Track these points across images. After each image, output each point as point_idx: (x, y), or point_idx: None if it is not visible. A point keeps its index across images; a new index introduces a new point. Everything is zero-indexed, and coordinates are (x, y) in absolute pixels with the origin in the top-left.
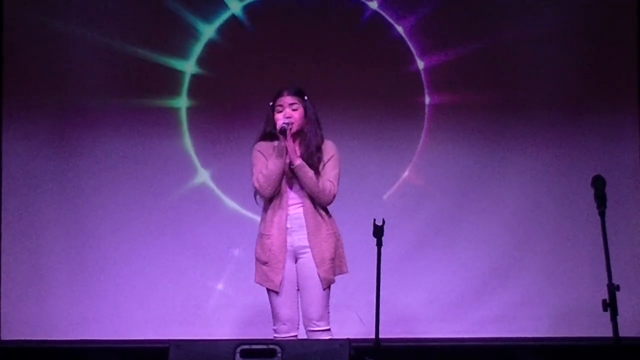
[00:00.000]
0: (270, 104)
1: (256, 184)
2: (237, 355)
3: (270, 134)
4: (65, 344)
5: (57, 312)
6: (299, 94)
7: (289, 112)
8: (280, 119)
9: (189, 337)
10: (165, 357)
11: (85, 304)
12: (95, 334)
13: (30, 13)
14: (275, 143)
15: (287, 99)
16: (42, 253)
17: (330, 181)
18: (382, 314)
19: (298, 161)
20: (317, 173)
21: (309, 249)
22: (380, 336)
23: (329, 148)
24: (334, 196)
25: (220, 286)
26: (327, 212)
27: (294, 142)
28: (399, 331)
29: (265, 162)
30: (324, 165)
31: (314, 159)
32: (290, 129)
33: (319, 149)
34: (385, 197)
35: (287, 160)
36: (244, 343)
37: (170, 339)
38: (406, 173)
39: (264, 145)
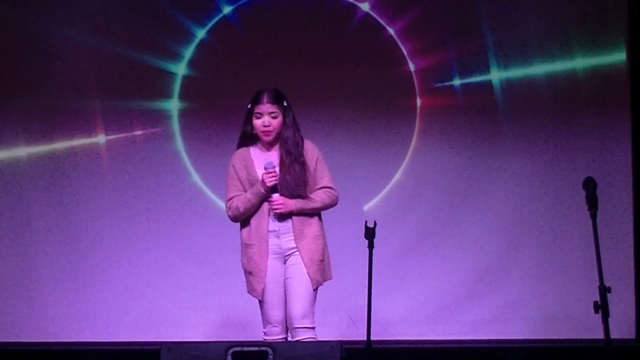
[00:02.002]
0: (249, 106)
1: (229, 213)
2: (229, 357)
3: (250, 135)
4: (57, 346)
5: (48, 314)
6: (278, 100)
7: (267, 120)
8: (260, 129)
9: (181, 339)
10: (156, 359)
11: (77, 306)
12: (86, 336)
13: (20, 14)
14: (252, 149)
15: (266, 107)
16: (33, 255)
17: (327, 187)
18: (373, 316)
19: (294, 207)
20: (304, 176)
21: (297, 250)
22: (372, 338)
23: (311, 150)
24: (337, 198)
25: (211, 288)
26: (316, 214)
27: (272, 147)
28: (391, 333)
29: (239, 186)
30: (314, 170)
31: (299, 163)
32: (276, 182)
33: (301, 152)
34: (376, 198)
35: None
36: (236, 345)
37: (162, 340)
38: (398, 175)
39: (238, 159)
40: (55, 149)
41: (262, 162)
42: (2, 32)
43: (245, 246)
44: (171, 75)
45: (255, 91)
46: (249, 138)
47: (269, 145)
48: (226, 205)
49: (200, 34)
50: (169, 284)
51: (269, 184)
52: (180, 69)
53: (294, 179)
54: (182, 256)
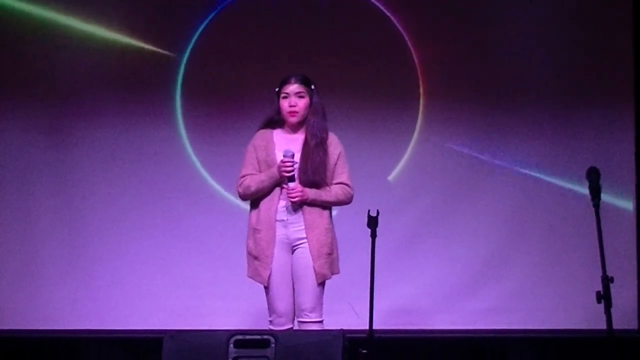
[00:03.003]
0: (276, 90)
1: (240, 190)
2: (231, 345)
3: (273, 120)
4: (59, 334)
5: (51, 302)
6: (306, 82)
7: (294, 100)
8: (286, 109)
9: (183, 327)
10: (159, 347)
11: (79, 294)
12: (88, 324)
13: (25, 3)
14: (275, 132)
15: (294, 87)
16: (36, 243)
17: (344, 184)
18: (376, 306)
19: (310, 196)
20: (325, 164)
21: (305, 241)
22: (374, 327)
23: (335, 143)
24: (352, 197)
25: (214, 277)
26: (328, 207)
27: (297, 129)
28: (393, 323)
29: (256, 165)
30: (334, 164)
31: (322, 150)
32: (293, 172)
33: (323, 142)
34: (379, 188)
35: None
36: (238, 333)
37: (164, 329)
38: (400, 165)
39: (260, 139)
40: (58, 137)
41: (284, 145)
42: (7, 21)
43: (252, 230)
44: (174, 63)
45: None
46: (275, 123)
47: (294, 129)
48: (237, 182)
49: (204, 21)
50: (172, 272)
51: (283, 175)
52: (184, 57)
53: (314, 164)
54: (184, 245)
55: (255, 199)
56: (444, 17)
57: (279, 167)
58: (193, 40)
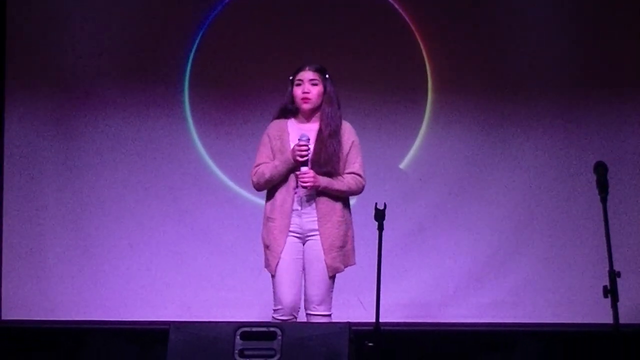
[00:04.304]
0: (290, 78)
1: (253, 179)
2: (237, 337)
3: (287, 109)
4: (66, 324)
5: (58, 293)
6: (320, 70)
7: (307, 87)
8: (299, 96)
9: (189, 319)
10: (165, 338)
11: (86, 285)
12: (95, 315)
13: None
14: (290, 122)
15: (308, 74)
16: (43, 234)
17: (356, 173)
18: (382, 298)
19: (322, 183)
20: (338, 153)
21: (317, 233)
22: (380, 320)
23: (349, 132)
24: (364, 187)
25: (220, 268)
26: (342, 198)
27: (310, 118)
28: (400, 315)
29: (270, 155)
30: (347, 154)
31: (336, 138)
32: (307, 157)
33: (337, 131)
34: (386, 182)
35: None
36: (244, 325)
37: (171, 320)
38: (408, 157)
39: (274, 129)
40: (66, 127)
41: (298, 134)
42: (17, 10)
43: (267, 219)
44: (183, 53)
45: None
46: (289, 112)
47: (307, 117)
48: (252, 172)
49: (213, 11)
50: (178, 263)
51: (298, 159)
52: (192, 48)
53: (328, 153)
54: (192, 236)
55: (271, 190)
56: (452, 9)
57: (294, 150)
58: (201, 33)
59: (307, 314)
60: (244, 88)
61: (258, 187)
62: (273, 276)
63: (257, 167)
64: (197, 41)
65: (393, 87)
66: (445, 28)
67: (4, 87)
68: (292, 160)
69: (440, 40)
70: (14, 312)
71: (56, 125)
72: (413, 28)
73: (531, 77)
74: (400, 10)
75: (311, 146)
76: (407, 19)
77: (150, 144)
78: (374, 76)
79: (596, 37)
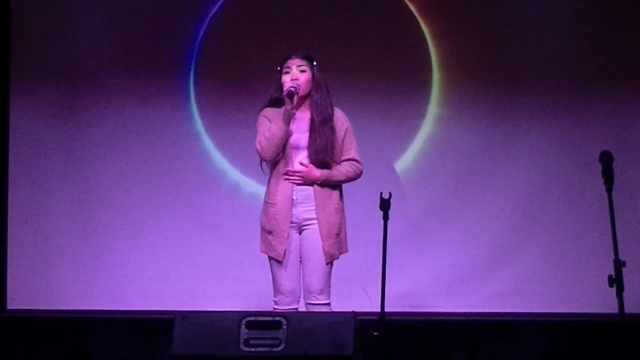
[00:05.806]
0: (278, 68)
1: (257, 147)
2: (243, 326)
3: (277, 99)
4: (71, 314)
5: (63, 282)
6: (307, 58)
7: (295, 74)
8: (287, 82)
9: (195, 308)
10: (170, 328)
11: (91, 275)
12: (100, 305)
13: None
14: (282, 109)
15: (295, 61)
16: (48, 224)
17: (353, 159)
18: (388, 288)
19: (319, 176)
20: (333, 141)
21: (315, 221)
22: (385, 310)
23: (342, 119)
24: (361, 172)
25: (226, 258)
26: (338, 186)
27: (300, 106)
28: (405, 305)
29: (270, 126)
30: (342, 140)
31: (329, 126)
32: (297, 92)
33: (329, 118)
34: (392, 170)
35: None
36: (250, 315)
37: (176, 309)
38: (413, 147)
39: (270, 111)
40: (72, 117)
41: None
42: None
43: (266, 204)
44: (188, 43)
45: None
46: (279, 102)
47: (297, 105)
48: (255, 144)
49: (216, 6)
50: (184, 253)
51: (286, 89)
52: (197, 37)
53: (323, 142)
54: (196, 226)
55: (271, 175)
56: (459, 1)
57: (285, 110)
58: (207, 23)
59: (307, 304)
60: (250, 78)
61: (264, 156)
62: (278, 263)
63: (258, 140)
64: (202, 31)
65: (398, 76)
66: (451, 20)
67: (9, 79)
68: (287, 120)
69: (447, 33)
70: (20, 302)
71: (62, 116)
72: (420, 20)
73: (536, 69)
74: (407, 1)
75: (305, 135)
76: (414, 12)
77: (156, 135)
78: (377, 69)
79: (602, 26)
